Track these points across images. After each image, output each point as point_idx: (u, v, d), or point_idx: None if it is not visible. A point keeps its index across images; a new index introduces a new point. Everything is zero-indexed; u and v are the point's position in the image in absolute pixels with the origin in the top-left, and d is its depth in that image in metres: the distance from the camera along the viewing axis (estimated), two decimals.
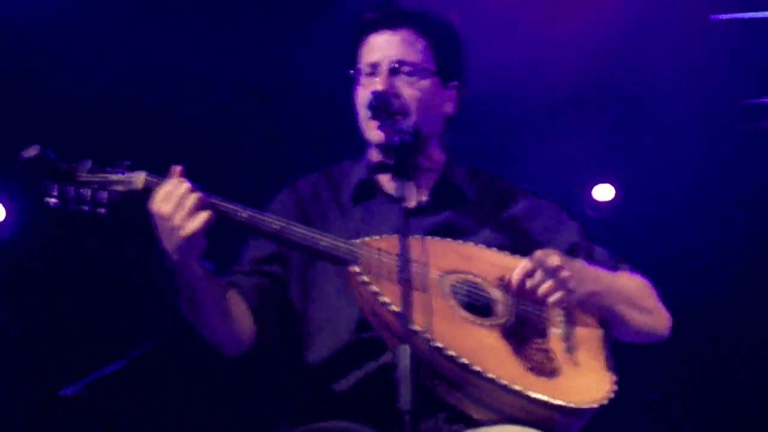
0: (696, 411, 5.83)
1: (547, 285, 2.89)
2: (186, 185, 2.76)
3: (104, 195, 2.79)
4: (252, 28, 5.25)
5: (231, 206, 2.84)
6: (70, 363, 5.06)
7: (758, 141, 5.59)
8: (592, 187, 6.00)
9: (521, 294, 2.91)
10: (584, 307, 3.02)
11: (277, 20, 5.22)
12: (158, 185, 2.78)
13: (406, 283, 2.53)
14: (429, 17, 3.21)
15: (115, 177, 2.81)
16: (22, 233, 5.32)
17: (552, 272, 2.88)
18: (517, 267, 2.92)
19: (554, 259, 2.91)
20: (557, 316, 2.98)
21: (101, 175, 2.81)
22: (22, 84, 5.11)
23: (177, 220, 2.73)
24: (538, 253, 2.93)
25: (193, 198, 2.75)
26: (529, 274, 2.90)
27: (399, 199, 2.65)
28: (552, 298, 2.89)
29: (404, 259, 2.55)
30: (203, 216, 2.74)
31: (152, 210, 2.76)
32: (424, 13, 3.21)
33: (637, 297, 3.10)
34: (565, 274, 2.89)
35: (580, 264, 3.04)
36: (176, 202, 2.74)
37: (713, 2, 5.24)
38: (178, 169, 2.80)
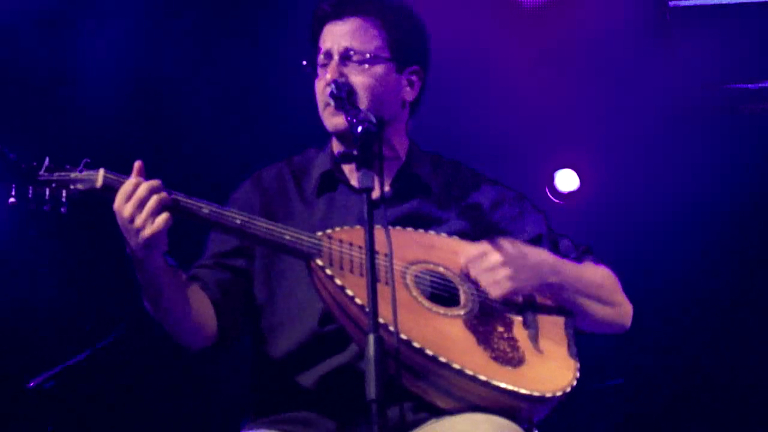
0: (656, 397, 5.88)
1: (490, 275, 2.92)
2: (146, 185, 2.76)
3: (63, 193, 2.79)
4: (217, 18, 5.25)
5: (192, 202, 2.83)
6: (36, 355, 5.03)
7: (721, 127, 5.63)
8: (555, 175, 6.01)
9: (470, 277, 2.94)
10: (547, 297, 3.04)
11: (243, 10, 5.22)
12: (118, 183, 2.77)
13: (372, 274, 2.54)
14: (382, 4, 3.19)
15: (73, 175, 2.80)
16: None
17: (497, 263, 2.92)
18: (469, 249, 2.95)
19: (506, 247, 2.93)
20: (519, 302, 3.00)
21: (60, 173, 2.80)
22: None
23: (138, 221, 2.73)
24: (494, 240, 2.96)
25: (154, 199, 2.75)
26: (478, 258, 2.93)
27: (362, 190, 2.65)
28: (493, 291, 2.92)
29: (370, 251, 2.56)
30: (163, 217, 2.75)
31: (114, 209, 2.76)
32: (381, 2, 3.20)
33: (601, 288, 3.11)
34: (505, 271, 2.91)
35: (541, 253, 3.05)
36: (136, 203, 2.74)
37: None
38: (137, 165, 2.79)
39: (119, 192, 2.76)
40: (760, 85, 5.38)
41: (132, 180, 2.77)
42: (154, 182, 2.78)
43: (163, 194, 2.77)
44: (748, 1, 5.26)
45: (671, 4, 5.27)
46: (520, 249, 2.98)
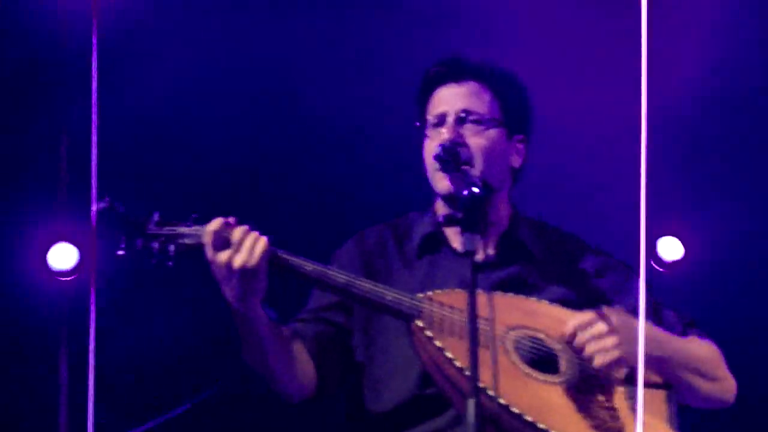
0: None
1: (596, 344, 2.89)
2: (241, 228, 2.81)
3: (172, 248, 2.85)
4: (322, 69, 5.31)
5: (296, 259, 2.87)
6: (135, 409, 5.10)
7: None
8: (658, 243, 5.93)
9: (575, 345, 2.91)
10: (650, 369, 2.99)
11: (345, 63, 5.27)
12: None
13: (473, 338, 2.53)
14: (495, 70, 3.23)
15: (182, 230, 2.86)
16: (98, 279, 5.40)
17: (604, 332, 2.89)
18: (576, 317, 2.93)
19: (611, 319, 2.90)
20: (621, 373, 2.96)
21: (169, 227, 2.86)
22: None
23: (236, 261, 2.77)
24: (602, 309, 2.93)
25: (251, 238, 2.79)
26: (585, 326, 2.90)
27: (465, 254, 2.64)
28: (598, 360, 2.88)
29: (473, 315, 2.55)
30: (261, 248, 2.78)
31: (208, 258, 2.81)
32: (491, 66, 3.23)
33: (705, 364, 3.07)
34: (612, 340, 2.88)
35: (647, 325, 3.01)
36: (235, 247, 2.78)
37: None
38: (233, 219, 2.85)
39: (209, 235, 2.80)
40: None
41: (220, 221, 2.81)
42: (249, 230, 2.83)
43: (260, 237, 2.81)
44: None
45: None
46: (627, 320, 2.94)
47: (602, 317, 2.92)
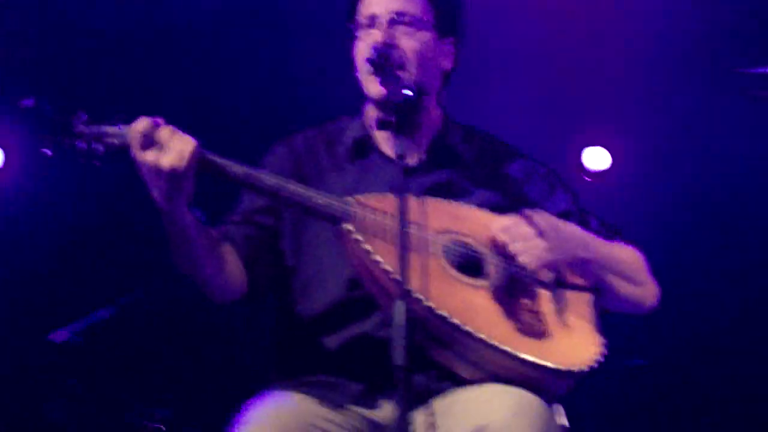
0: (679, 380, 5.88)
1: (521, 245, 2.92)
2: (168, 127, 2.77)
3: (99, 147, 2.80)
4: None
5: (224, 161, 2.84)
6: (62, 309, 5.08)
7: (760, 111, 5.57)
8: (583, 152, 5.99)
9: (501, 246, 2.94)
10: (575, 272, 3.04)
11: None
12: None
13: (403, 241, 2.54)
14: None
15: (109, 129, 2.81)
16: (21, 180, 5.35)
17: (529, 233, 2.92)
18: (502, 220, 2.96)
19: (538, 220, 2.93)
20: (546, 275, 3.00)
21: (96, 127, 2.81)
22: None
23: (163, 160, 2.73)
24: (525, 212, 2.96)
25: (177, 138, 2.76)
26: (510, 228, 2.94)
27: (396, 158, 2.64)
28: (523, 259, 2.91)
29: (403, 218, 2.56)
30: (189, 147, 2.75)
31: (134, 157, 2.77)
32: None
33: (628, 267, 3.12)
34: (537, 241, 2.91)
35: (572, 228, 3.06)
36: (163, 145, 2.75)
37: None
38: (160, 120, 2.81)
39: (136, 135, 2.76)
40: None
41: (147, 120, 2.77)
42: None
43: (188, 138, 2.77)
44: None
45: None
46: (553, 222, 2.98)
47: (528, 219, 2.95)
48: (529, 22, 5.36)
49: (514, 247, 2.93)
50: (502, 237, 2.95)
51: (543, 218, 2.97)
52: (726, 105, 5.56)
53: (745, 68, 5.21)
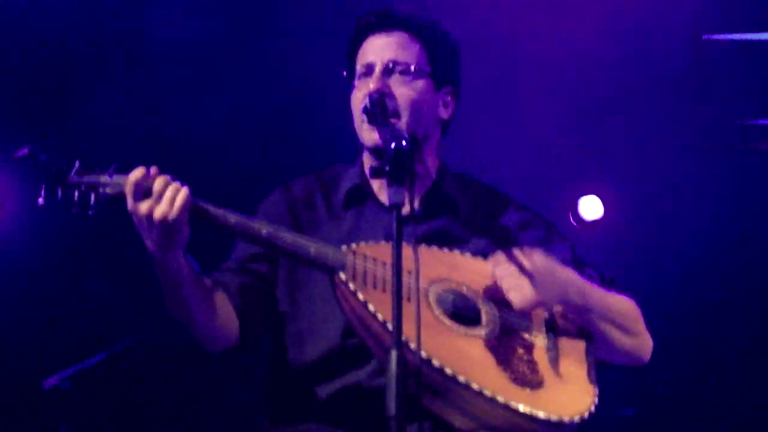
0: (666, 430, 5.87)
1: (510, 282, 2.92)
2: (162, 177, 2.78)
3: (93, 197, 2.81)
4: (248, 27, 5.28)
5: (218, 211, 2.85)
6: (53, 356, 5.06)
7: (752, 162, 5.60)
8: (578, 202, 6.00)
9: (498, 298, 2.93)
10: (569, 319, 3.04)
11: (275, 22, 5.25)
12: None
13: (397, 291, 2.53)
14: (424, 22, 3.23)
15: (103, 179, 2.82)
16: (17, 228, 5.35)
17: (520, 272, 2.91)
18: (501, 262, 2.95)
19: (534, 259, 2.93)
20: (542, 326, 3.00)
21: (90, 176, 2.82)
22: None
23: (157, 212, 2.75)
24: (524, 250, 2.95)
25: (171, 189, 2.77)
26: (501, 263, 2.94)
27: (391, 207, 2.65)
28: (512, 298, 2.91)
29: (398, 269, 2.55)
30: (182, 198, 2.76)
31: (129, 208, 2.78)
32: (419, 18, 3.23)
33: (624, 318, 3.10)
34: (529, 280, 2.90)
35: (568, 272, 3.03)
36: (155, 197, 2.76)
37: (705, 22, 5.27)
38: (153, 168, 2.82)
39: (130, 186, 2.77)
40: None
41: (141, 171, 2.79)
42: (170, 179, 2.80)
43: (181, 188, 2.78)
44: None
45: (704, 37, 5.28)
46: (549, 264, 2.97)
47: (525, 255, 2.93)
48: (525, 70, 5.39)
49: (505, 283, 2.92)
50: (495, 271, 2.94)
51: (540, 258, 2.96)
52: (721, 155, 5.59)
53: (742, 119, 5.24)
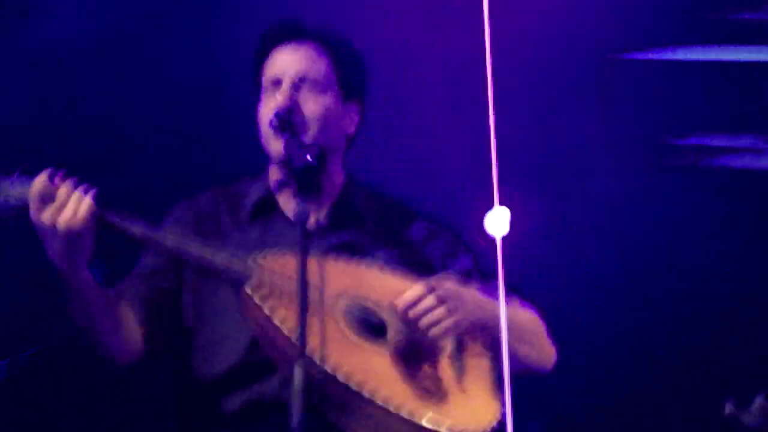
0: None
1: (428, 318, 2.92)
2: (69, 185, 2.76)
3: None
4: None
5: (124, 221, 2.83)
6: None
7: (666, 181, 5.69)
8: (486, 216, 6.04)
9: (408, 320, 2.95)
10: (474, 335, 3.07)
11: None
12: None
13: (302, 305, 2.54)
14: (333, 34, 3.24)
15: (6, 187, 2.79)
16: None
17: (435, 305, 2.93)
18: (406, 293, 2.96)
19: (445, 287, 2.96)
20: (448, 341, 3.02)
21: None
22: None
23: (59, 219, 2.72)
24: (432, 281, 2.97)
25: (76, 196, 2.74)
26: (416, 302, 2.94)
27: (296, 219, 2.66)
28: (432, 332, 2.93)
29: (302, 280, 2.56)
30: (86, 207, 2.73)
31: (32, 218, 2.75)
32: (328, 31, 3.25)
33: (526, 330, 3.14)
34: (442, 311, 2.92)
35: (472, 292, 3.07)
36: (60, 203, 2.73)
37: (609, 42, 5.36)
38: (59, 176, 2.80)
39: (34, 196, 2.73)
40: (687, 141, 5.49)
41: (45, 181, 2.75)
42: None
43: (85, 197, 2.76)
44: (687, 58, 5.37)
45: (608, 56, 5.36)
46: (455, 289, 2.99)
47: (431, 289, 2.95)
48: (432, 85, 5.42)
49: (420, 321, 2.92)
50: (405, 310, 2.94)
51: (445, 284, 2.98)
52: (630, 173, 5.67)
53: (652, 138, 5.34)
